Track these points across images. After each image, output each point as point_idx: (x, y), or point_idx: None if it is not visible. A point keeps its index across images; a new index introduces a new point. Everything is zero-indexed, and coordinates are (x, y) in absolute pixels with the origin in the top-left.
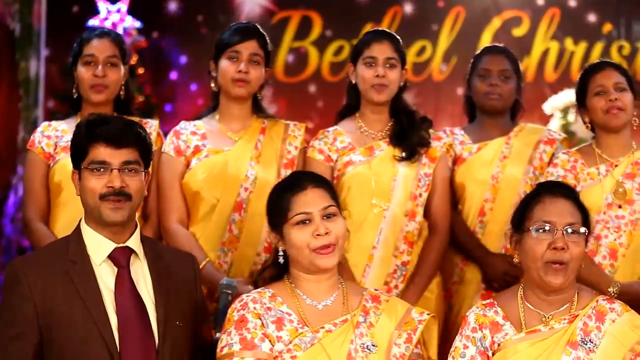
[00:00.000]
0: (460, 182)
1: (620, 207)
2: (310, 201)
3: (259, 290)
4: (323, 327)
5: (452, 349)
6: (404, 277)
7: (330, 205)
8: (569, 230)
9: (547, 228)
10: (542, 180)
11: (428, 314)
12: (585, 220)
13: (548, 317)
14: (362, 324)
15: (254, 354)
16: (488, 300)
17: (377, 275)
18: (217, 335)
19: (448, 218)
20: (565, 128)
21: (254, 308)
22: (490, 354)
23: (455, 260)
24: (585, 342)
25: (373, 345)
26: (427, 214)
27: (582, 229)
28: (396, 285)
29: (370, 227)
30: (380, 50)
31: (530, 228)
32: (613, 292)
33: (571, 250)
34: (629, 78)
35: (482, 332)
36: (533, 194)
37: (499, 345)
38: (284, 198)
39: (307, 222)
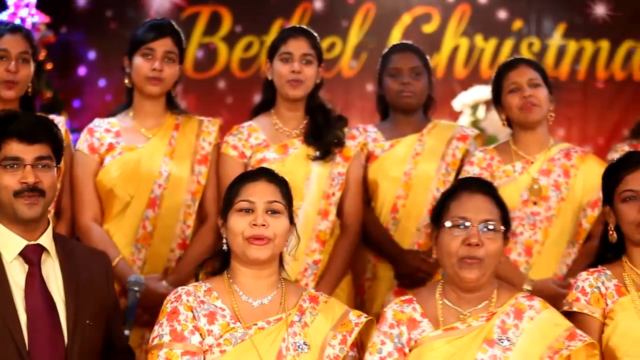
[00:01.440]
0: (373, 179)
1: (535, 203)
2: (258, 192)
3: (195, 284)
4: (256, 324)
5: (369, 344)
6: (315, 275)
7: (276, 201)
8: (485, 226)
9: (462, 224)
10: (456, 177)
11: (366, 317)
12: (504, 217)
13: (466, 315)
14: (296, 323)
15: (183, 346)
16: (407, 297)
17: (289, 273)
18: (127, 332)
19: (360, 217)
20: (475, 125)
21: (187, 300)
22: (407, 350)
23: (368, 257)
24: (502, 340)
25: (305, 345)
26: (339, 213)
27: (499, 226)
28: (307, 283)
29: None
30: (297, 47)
31: (446, 224)
32: (527, 289)
33: (486, 246)
34: (544, 73)
35: (399, 328)
36: (452, 189)
37: (416, 342)
38: (236, 186)
39: (249, 211)
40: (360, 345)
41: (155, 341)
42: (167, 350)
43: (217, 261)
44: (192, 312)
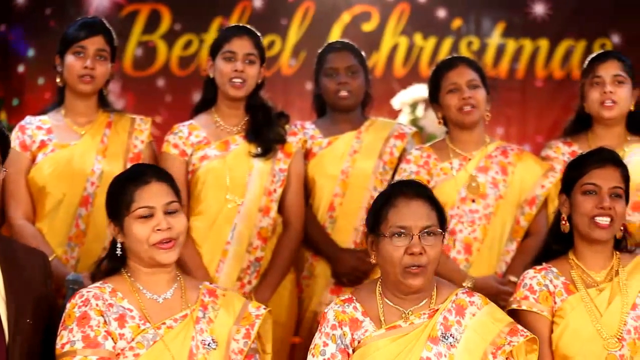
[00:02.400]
0: (310, 177)
1: (473, 201)
2: (154, 196)
3: (98, 285)
4: (164, 324)
5: (311, 346)
6: (258, 272)
7: (173, 201)
8: (425, 233)
9: (402, 233)
10: (396, 175)
11: (264, 309)
12: (441, 218)
13: (408, 313)
14: (201, 319)
15: (97, 352)
16: (347, 296)
17: (231, 271)
18: None
19: (302, 214)
20: (414, 123)
21: (96, 305)
22: (350, 351)
23: (306, 255)
24: (446, 337)
25: (213, 342)
26: (281, 209)
27: (438, 230)
28: (249, 281)
29: (224, 222)
30: (241, 46)
31: (386, 234)
32: (467, 287)
33: (428, 253)
34: (483, 74)
35: (341, 329)
36: (386, 195)
37: (359, 342)
38: (126, 190)
39: (150, 216)
40: (258, 337)
41: (67, 347)
42: (81, 357)
43: (112, 261)
44: (102, 316)
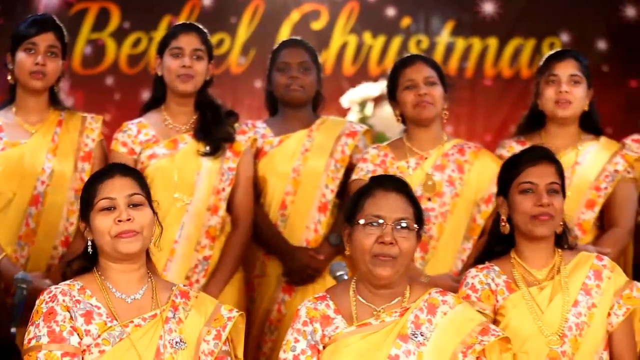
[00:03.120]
0: (262, 175)
1: (430, 199)
2: (116, 188)
3: (67, 282)
4: (132, 322)
5: (283, 342)
6: (206, 271)
7: (136, 194)
8: (399, 225)
9: (376, 222)
10: (352, 174)
11: (237, 312)
12: (418, 215)
13: (379, 311)
14: (171, 319)
15: (61, 347)
16: (320, 294)
17: (179, 270)
18: (13, 330)
19: (251, 213)
20: (363, 122)
21: (63, 300)
22: (321, 347)
23: (257, 253)
24: (416, 335)
25: (182, 342)
26: (230, 208)
27: (413, 224)
28: (197, 279)
29: (172, 221)
30: (188, 42)
31: (360, 221)
32: None
33: (400, 244)
34: (440, 71)
35: (312, 325)
36: (366, 187)
37: (330, 338)
38: (92, 186)
39: (112, 208)
40: (230, 340)
41: (33, 342)
42: (46, 352)
43: (84, 260)
44: (69, 312)
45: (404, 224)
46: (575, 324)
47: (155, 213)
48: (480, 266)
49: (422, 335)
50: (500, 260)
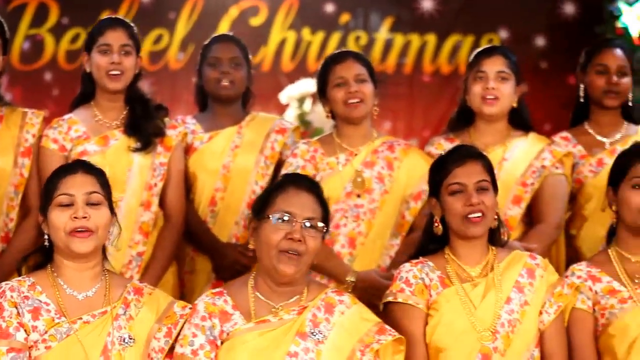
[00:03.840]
0: (191, 172)
1: (359, 196)
2: (76, 184)
3: (19, 278)
4: (81, 319)
5: (180, 337)
6: (140, 267)
7: (95, 192)
8: (308, 224)
9: (286, 218)
10: (282, 169)
11: (190, 308)
12: (325, 216)
13: (278, 308)
14: (121, 316)
15: (9, 343)
16: (218, 289)
17: (113, 266)
18: None
19: (183, 208)
20: (302, 117)
21: (11, 297)
22: (219, 343)
23: (187, 250)
24: (315, 334)
25: (130, 339)
26: (162, 203)
27: (321, 225)
28: (131, 276)
29: None
30: (115, 38)
31: (271, 216)
32: (350, 280)
33: (307, 243)
34: (371, 68)
35: (211, 321)
36: (279, 183)
37: (228, 334)
38: (53, 180)
39: (69, 205)
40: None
41: None
42: None
43: (40, 256)
44: (16, 308)
45: (312, 223)
46: (508, 320)
47: (114, 214)
48: (415, 261)
49: (320, 333)
50: (434, 256)
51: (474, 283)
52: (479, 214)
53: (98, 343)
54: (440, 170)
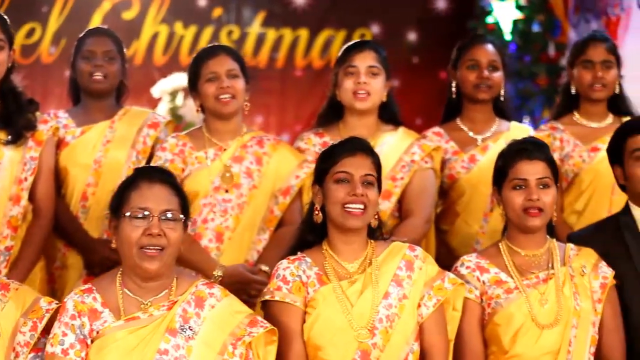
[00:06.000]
0: (63, 166)
1: (227, 191)
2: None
3: None
4: None
5: (50, 336)
6: (8, 262)
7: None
8: (165, 216)
9: (142, 215)
10: (152, 163)
11: (57, 303)
12: (183, 204)
13: (147, 304)
14: None
15: None
16: (86, 286)
17: None
18: None
19: (53, 202)
20: (174, 112)
21: None
22: (89, 341)
23: (58, 245)
24: (185, 329)
25: None
26: (31, 198)
27: (179, 215)
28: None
29: None
30: None
31: (127, 214)
32: (217, 275)
33: (168, 235)
34: (243, 63)
35: (81, 319)
36: (130, 179)
37: (98, 332)
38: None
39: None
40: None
41: None
42: None
43: None
44: None
45: (169, 215)
46: (386, 316)
47: None
48: (292, 257)
49: (190, 329)
50: (312, 251)
51: (352, 280)
52: (361, 206)
53: None
54: (329, 158)
